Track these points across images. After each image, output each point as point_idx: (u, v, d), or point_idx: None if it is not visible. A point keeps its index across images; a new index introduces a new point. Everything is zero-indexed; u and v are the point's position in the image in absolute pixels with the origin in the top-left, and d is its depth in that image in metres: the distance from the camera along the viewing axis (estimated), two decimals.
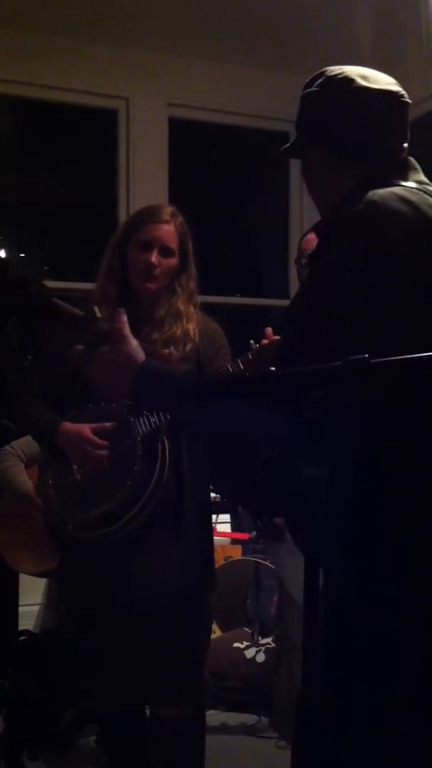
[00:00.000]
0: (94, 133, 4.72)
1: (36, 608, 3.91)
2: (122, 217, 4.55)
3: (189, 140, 4.78)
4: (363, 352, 1.07)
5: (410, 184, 1.43)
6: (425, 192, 1.43)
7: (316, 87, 1.52)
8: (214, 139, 4.94)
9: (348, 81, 1.48)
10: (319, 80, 1.53)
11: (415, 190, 1.41)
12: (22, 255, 1.53)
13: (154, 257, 2.32)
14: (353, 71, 1.50)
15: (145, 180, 4.55)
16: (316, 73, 1.54)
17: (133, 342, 1.52)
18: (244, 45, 4.41)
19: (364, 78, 1.49)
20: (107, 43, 4.34)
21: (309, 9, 3.92)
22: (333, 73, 1.50)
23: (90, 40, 4.30)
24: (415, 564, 1.43)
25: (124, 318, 1.54)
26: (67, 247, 4.73)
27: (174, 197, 4.52)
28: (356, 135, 1.48)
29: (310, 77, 1.55)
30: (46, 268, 1.56)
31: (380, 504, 1.44)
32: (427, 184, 1.48)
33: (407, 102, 1.51)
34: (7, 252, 1.53)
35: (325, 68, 1.53)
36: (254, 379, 1.27)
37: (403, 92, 1.49)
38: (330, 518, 1.45)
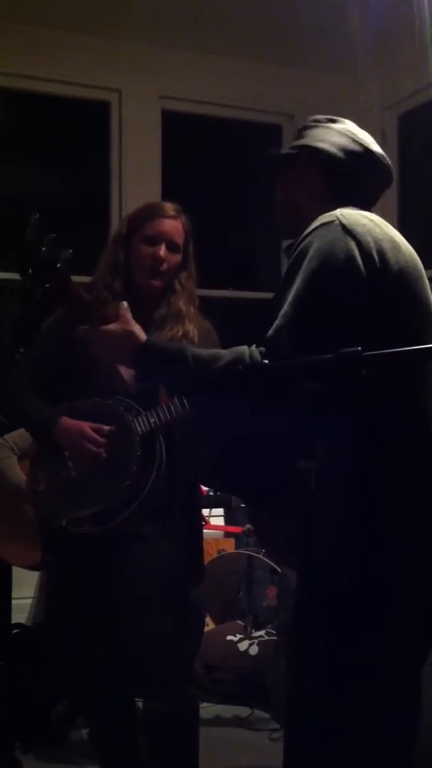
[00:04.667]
0: (86, 125, 4.70)
1: (29, 601, 3.91)
2: (114, 209, 4.54)
3: (182, 133, 4.76)
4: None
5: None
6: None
7: (348, 133, 1.75)
8: (206, 132, 4.92)
9: (359, 142, 1.74)
10: (339, 125, 1.77)
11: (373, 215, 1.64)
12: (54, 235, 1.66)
13: (162, 251, 2.32)
14: (365, 134, 1.78)
15: (137, 172, 4.54)
16: (335, 117, 1.80)
17: (135, 324, 1.72)
18: (237, 37, 4.40)
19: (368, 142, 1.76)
20: (100, 34, 4.32)
21: (302, 1, 3.91)
22: (351, 128, 1.78)
23: (83, 32, 4.28)
24: (415, 557, 1.44)
25: (126, 306, 1.76)
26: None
27: (166, 190, 4.51)
28: (351, 180, 1.72)
29: (329, 117, 1.80)
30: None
31: (377, 495, 1.44)
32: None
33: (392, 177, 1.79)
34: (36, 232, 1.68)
35: (345, 120, 1.80)
36: (248, 370, 1.29)
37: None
38: (324, 510, 1.46)
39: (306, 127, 1.80)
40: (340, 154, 1.71)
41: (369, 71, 4.51)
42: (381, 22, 4.00)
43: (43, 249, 1.65)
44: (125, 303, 1.80)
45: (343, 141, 1.72)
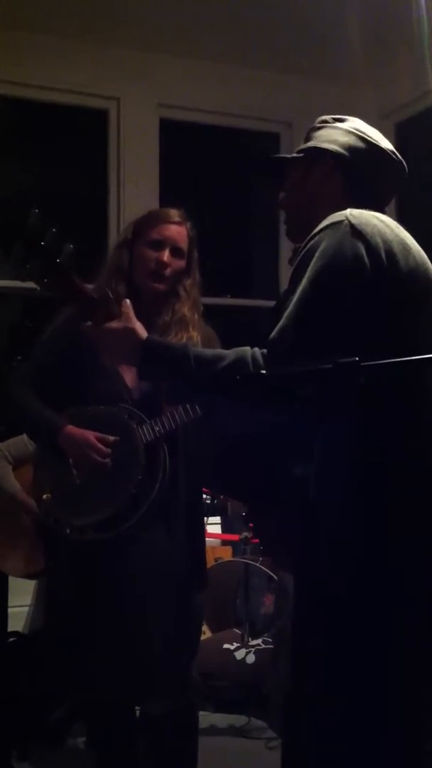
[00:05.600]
0: (84, 133, 4.71)
1: (25, 609, 3.90)
2: (112, 217, 4.55)
3: (180, 141, 4.77)
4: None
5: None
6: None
7: (352, 129, 1.73)
8: (204, 140, 4.93)
9: (376, 139, 1.72)
10: (351, 123, 1.75)
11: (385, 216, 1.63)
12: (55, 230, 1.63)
13: (166, 256, 2.33)
14: (376, 132, 1.75)
15: (135, 181, 4.54)
16: (342, 116, 1.78)
17: (138, 322, 1.73)
18: (235, 46, 4.41)
19: (376, 139, 1.74)
20: (98, 42, 4.33)
21: (301, 9, 3.93)
22: (363, 126, 1.75)
23: (81, 40, 4.29)
24: (417, 562, 1.44)
25: (129, 303, 1.76)
26: None
27: (165, 198, 4.51)
28: (370, 180, 1.71)
29: (336, 116, 1.78)
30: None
31: (378, 501, 1.44)
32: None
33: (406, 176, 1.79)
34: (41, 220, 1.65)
35: (354, 118, 1.77)
36: (246, 378, 1.28)
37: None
38: (323, 516, 1.46)
39: (314, 129, 1.78)
40: (345, 153, 1.69)
41: (366, 80, 4.53)
42: (379, 31, 4.02)
43: (44, 243, 1.63)
44: (128, 300, 1.79)
45: (350, 139, 1.70)
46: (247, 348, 1.73)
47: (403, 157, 1.75)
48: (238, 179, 5.04)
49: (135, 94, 4.53)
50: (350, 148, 1.69)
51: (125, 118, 4.54)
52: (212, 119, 4.79)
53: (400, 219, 1.62)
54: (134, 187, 4.52)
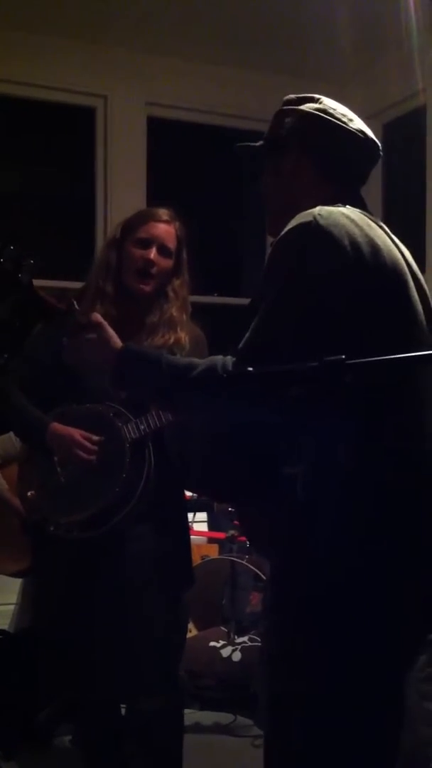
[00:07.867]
0: (71, 131, 4.70)
1: (11, 608, 3.89)
2: (100, 215, 4.54)
3: (168, 139, 4.77)
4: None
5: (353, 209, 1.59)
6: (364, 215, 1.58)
7: (317, 110, 1.67)
8: (192, 139, 4.93)
9: (344, 121, 1.65)
10: (316, 104, 1.68)
11: (357, 211, 1.56)
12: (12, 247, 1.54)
13: (153, 254, 2.32)
14: (346, 110, 1.68)
15: (123, 179, 4.54)
16: (308, 95, 1.71)
17: (111, 330, 1.66)
18: (223, 45, 4.41)
19: (345, 120, 1.67)
20: (86, 40, 4.33)
21: (289, 9, 3.93)
22: (330, 105, 1.68)
23: (69, 38, 4.28)
24: (406, 561, 1.44)
25: (98, 315, 1.70)
26: (43, 246, 4.70)
27: (152, 196, 4.51)
28: (341, 162, 1.66)
29: (301, 96, 1.72)
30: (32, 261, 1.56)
31: (366, 503, 1.44)
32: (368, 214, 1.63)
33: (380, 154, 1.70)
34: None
35: (320, 96, 1.70)
36: (231, 377, 1.28)
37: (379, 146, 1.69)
38: (312, 514, 1.46)
39: (279, 112, 1.74)
40: (308, 134, 1.64)
41: (355, 80, 4.54)
42: (367, 31, 4.03)
43: (2, 260, 1.57)
44: (97, 314, 1.74)
45: (313, 119, 1.65)
46: (219, 357, 1.70)
47: (390, 157, 1.74)
48: (226, 178, 5.04)
49: (123, 92, 4.53)
50: (313, 128, 1.65)
51: (113, 116, 4.54)
52: (200, 118, 4.80)
53: (387, 217, 1.61)
54: (121, 185, 4.52)
